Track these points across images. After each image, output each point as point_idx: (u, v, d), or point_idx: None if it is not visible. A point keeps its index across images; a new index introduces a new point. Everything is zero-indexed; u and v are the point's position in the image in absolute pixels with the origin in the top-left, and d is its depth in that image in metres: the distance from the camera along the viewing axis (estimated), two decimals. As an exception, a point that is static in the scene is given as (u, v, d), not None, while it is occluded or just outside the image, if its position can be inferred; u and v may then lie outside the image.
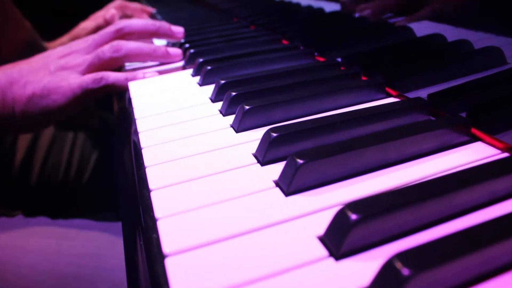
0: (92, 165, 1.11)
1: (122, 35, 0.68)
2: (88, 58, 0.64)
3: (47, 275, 0.68)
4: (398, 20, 0.71)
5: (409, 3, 0.73)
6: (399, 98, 0.46)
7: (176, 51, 0.69)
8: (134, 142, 0.49)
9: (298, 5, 0.93)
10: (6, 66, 0.65)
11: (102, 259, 0.71)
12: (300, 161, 0.31)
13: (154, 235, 0.30)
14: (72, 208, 1.13)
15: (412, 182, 0.32)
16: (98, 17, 1.18)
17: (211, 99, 0.51)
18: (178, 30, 0.72)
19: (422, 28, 0.66)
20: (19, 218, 0.84)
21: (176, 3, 1.39)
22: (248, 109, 0.41)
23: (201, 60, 0.60)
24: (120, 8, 1.18)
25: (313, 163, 0.31)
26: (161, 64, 0.70)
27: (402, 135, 0.34)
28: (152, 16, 1.21)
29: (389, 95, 0.47)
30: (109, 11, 1.12)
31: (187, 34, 0.81)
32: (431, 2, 0.67)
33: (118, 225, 0.84)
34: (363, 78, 0.51)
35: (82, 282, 0.68)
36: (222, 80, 0.50)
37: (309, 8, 0.88)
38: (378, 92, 0.47)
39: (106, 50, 0.64)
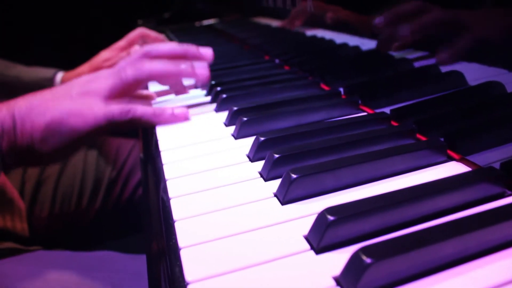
0: (104, 189, 1.09)
1: (149, 59, 0.65)
2: (111, 81, 0.61)
3: None
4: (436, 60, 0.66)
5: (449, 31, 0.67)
6: (462, 162, 0.41)
7: (203, 67, 0.64)
8: (163, 199, 0.44)
9: (332, 42, 0.88)
10: (29, 95, 0.62)
11: None
12: (368, 260, 0.26)
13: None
14: (90, 238, 1.10)
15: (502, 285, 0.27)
16: (120, 48, 1.15)
17: (249, 157, 0.47)
18: (206, 51, 0.68)
19: (470, 71, 0.60)
20: (40, 253, 0.81)
21: (202, 35, 1.36)
22: (295, 178, 0.37)
23: (235, 108, 0.56)
24: (141, 36, 1.16)
25: (384, 262, 0.26)
26: (192, 106, 0.66)
27: (486, 223, 0.29)
28: None
29: (450, 158, 0.42)
30: (134, 47, 1.10)
31: (217, 74, 0.77)
32: (472, 30, 0.61)
33: (142, 257, 0.80)
34: (418, 135, 0.46)
35: None
36: (262, 137, 0.45)
37: (345, 46, 0.83)
38: (439, 154, 0.41)
39: (129, 71, 0.60)
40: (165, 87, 0.78)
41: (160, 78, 0.62)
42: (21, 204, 0.92)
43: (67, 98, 0.60)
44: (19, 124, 0.57)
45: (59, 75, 1.18)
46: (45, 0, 1.80)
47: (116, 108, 0.57)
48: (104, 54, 1.16)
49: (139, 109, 0.58)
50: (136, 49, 1.08)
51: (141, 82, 0.61)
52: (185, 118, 0.60)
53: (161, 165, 0.48)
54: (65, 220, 1.04)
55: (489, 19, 0.56)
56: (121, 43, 1.16)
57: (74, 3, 1.82)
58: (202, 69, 0.64)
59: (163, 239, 0.40)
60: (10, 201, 0.89)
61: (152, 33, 1.15)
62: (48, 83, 1.18)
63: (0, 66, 1.16)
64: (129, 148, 1.18)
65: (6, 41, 1.67)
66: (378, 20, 0.64)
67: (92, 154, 1.11)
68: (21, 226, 0.91)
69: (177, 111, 0.59)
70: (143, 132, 0.75)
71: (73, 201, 1.05)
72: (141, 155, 0.71)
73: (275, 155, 0.41)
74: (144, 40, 1.15)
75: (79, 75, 1.17)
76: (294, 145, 0.43)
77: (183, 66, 0.62)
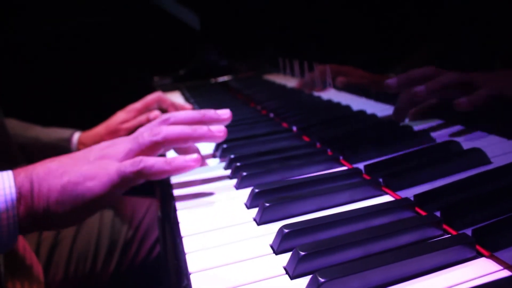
0: (119, 250, 1.08)
1: (167, 125, 0.66)
2: (128, 144, 0.62)
3: None
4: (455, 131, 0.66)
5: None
6: (491, 259, 0.40)
7: (219, 127, 0.66)
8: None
9: (349, 109, 0.89)
10: (48, 160, 0.63)
11: None
12: None
13: None
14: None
15: None
16: (136, 110, 1.16)
17: (273, 248, 0.46)
18: (224, 112, 0.70)
19: (489, 145, 0.60)
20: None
21: (219, 96, 1.38)
22: (323, 282, 0.36)
23: (256, 191, 0.56)
24: (157, 101, 1.17)
25: None
26: (211, 180, 0.66)
27: None
28: None
29: (478, 253, 0.41)
30: (153, 112, 1.11)
31: (236, 144, 0.78)
32: (487, 84, 0.59)
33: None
34: (445, 226, 0.46)
35: None
36: (286, 228, 0.45)
37: (362, 114, 0.83)
38: (468, 250, 0.41)
39: (146, 134, 0.62)
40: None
41: (177, 141, 0.63)
42: (40, 270, 0.92)
43: (84, 162, 0.61)
44: (36, 188, 0.57)
45: (76, 135, 1.20)
46: (61, 58, 1.85)
47: (128, 161, 0.59)
48: (121, 115, 1.17)
49: (151, 158, 0.59)
50: (155, 113, 1.10)
51: (158, 145, 0.62)
52: (197, 164, 0.60)
53: (184, 254, 0.47)
54: (79, 283, 1.04)
55: (502, 79, 0.56)
56: (137, 105, 1.17)
57: (90, 60, 1.86)
58: (219, 133, 0.65)
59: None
60: (30, 268, 0.89)
61: (168, 99, 1.17)
62: (65, 144, 1.19)
63: (20, 128, 1.19)
64: (145, 208, 1.18)
65: (23, 100, 1.70)
66: (391, 81, 0.65)
67: (108, 215, 1.11)
68: None
69: (189, 158, 0.59)
70: (160, 188, 0.75)
71: (88, 263, 1.05)
72: (159, 213, 0.71)
73: (301, 252, 0.40)
74: (159, 105, 1.16)
75: (96, 135, 1.19)
76: (319, 241, 0.42)
77: (200, 130, 0.64)
